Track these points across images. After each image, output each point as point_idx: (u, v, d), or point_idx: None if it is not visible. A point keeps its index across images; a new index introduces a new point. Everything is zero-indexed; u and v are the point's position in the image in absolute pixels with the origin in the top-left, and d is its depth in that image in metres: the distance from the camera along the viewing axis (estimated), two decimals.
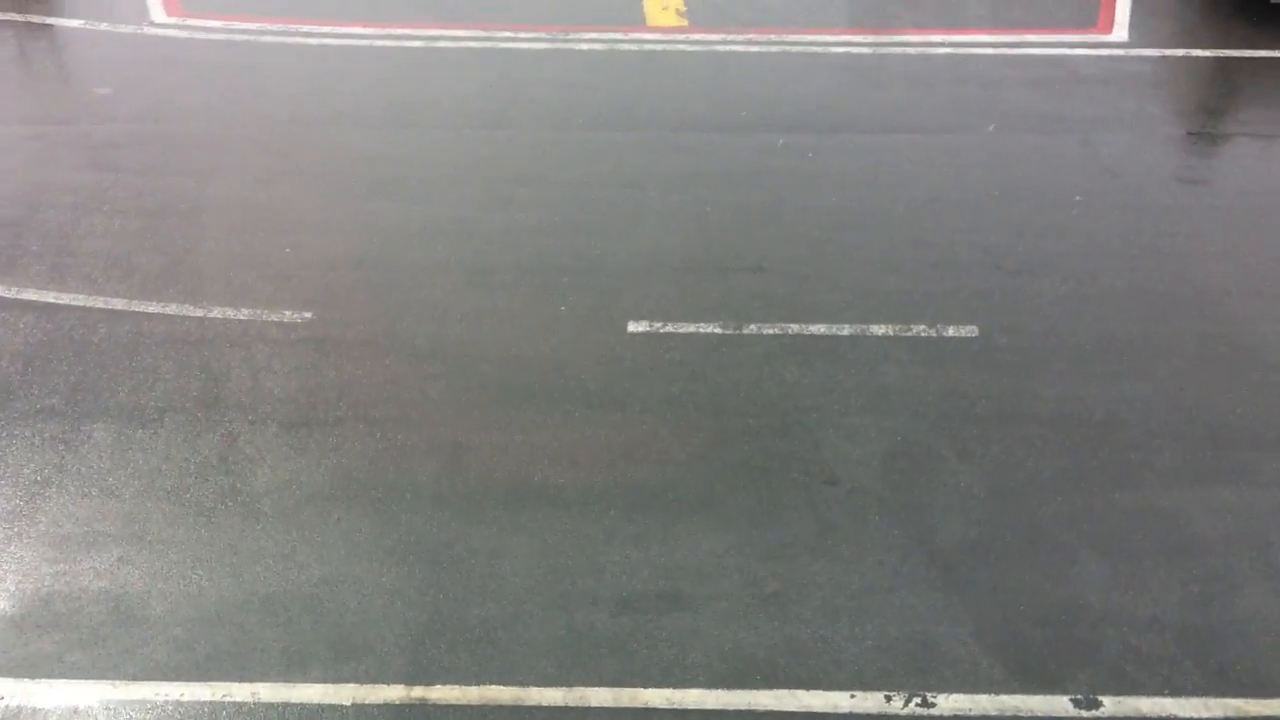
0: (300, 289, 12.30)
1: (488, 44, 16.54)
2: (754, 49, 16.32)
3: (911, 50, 16.18)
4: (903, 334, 11.58)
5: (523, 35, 16.70)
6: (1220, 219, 13.05)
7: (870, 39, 16.40)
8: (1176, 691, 8.50)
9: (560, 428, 10.66)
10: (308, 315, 11.96)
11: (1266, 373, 11.07)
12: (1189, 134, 14.50)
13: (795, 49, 16.28)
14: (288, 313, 12.00)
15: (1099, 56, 16.01)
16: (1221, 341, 11.41)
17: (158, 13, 17.05)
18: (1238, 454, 10.23)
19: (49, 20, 17.04)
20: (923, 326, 11.65)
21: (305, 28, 16.70)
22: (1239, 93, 15.33)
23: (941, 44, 16.26)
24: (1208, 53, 16.04)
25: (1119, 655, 8.72)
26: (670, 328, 11.73)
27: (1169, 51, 16.08)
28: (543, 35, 16.69)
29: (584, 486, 10.09)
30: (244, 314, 11.99)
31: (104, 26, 16.80)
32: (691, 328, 11.72)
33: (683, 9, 17.21)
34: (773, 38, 16.49)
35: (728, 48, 16.36)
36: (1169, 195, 13.45)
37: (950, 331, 11.59)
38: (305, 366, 11.41)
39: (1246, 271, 12.31)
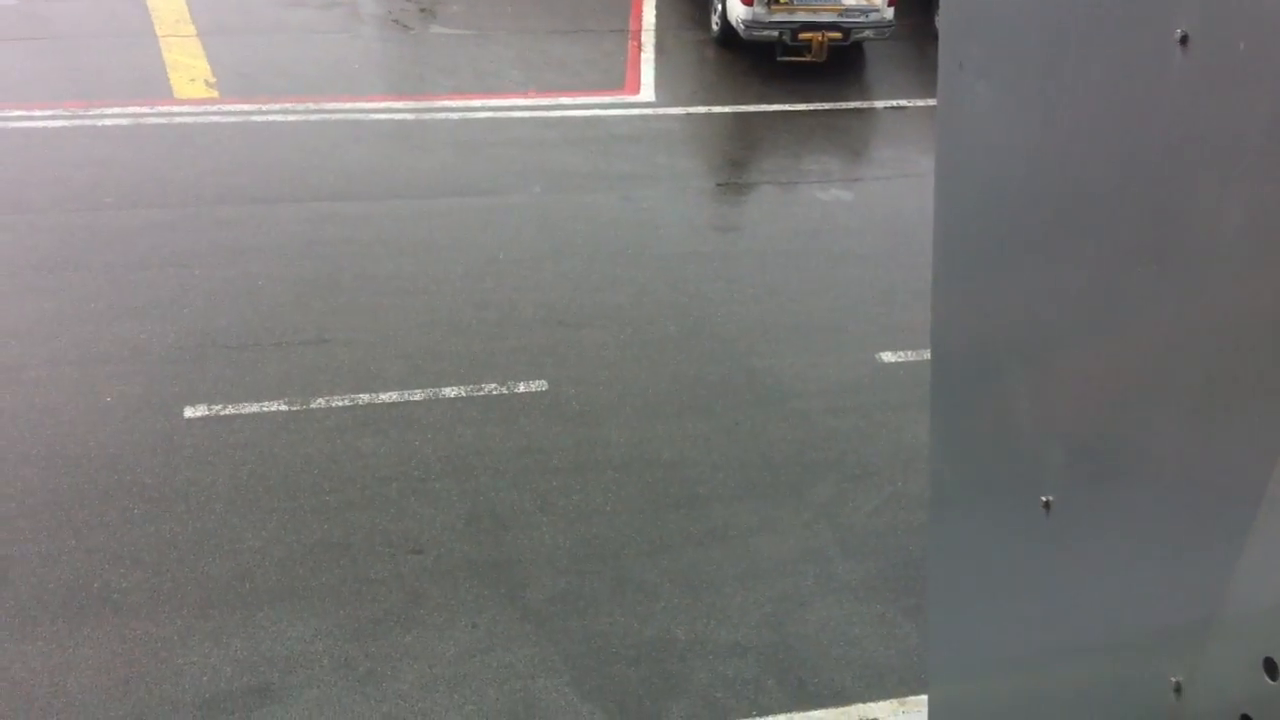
0: None
1: (12, 125, 15.25)
2: (292, 118, 15.97)
3: (454, 115, 16.37)
4: (475, 394, 11.60)
5: (37, 113, 15.53)
6: (754, 262, 14.01)
7: (411, 105, 16.46)
8: (763, 711, 8.91)
9: (118, 527, 9.86)
10: None
11: (805, 400, 11.92)
12: (718, 185, 15.50)
13: (336, 116, 16.08)
14: None
15: (630, 116, 16.84)
16: (767, 375, 12.19)
17: None
18: (790, 477, 10.94)
19: None
20: (494, 385, 11.72)
21: None
22: (758, 145, 16.57)
23: (482, 108, 16.56)
24: (727, 109, 17.25)
25: (708, 684, 9.05)
26: (231, 409, 11.17)
27: (693, 109, 17.16)
28: (61, 112, 15.60)
29: (151, 587, 9.37)
30: None
31: None
32: (255, 407, 11.20)
33: (212, 79, 16.60)
34: (311, 106, 16.21)
35: (264, 118, 15.93)
36: (707, 243, 14.29)
37: (521, 388, 11.72)
38: None
39: (781, 309, 13.25)
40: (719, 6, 18.27)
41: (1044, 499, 2.40)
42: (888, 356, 12.42)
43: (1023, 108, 2.35)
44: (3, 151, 14.71)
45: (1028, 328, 2.47)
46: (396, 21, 18.51)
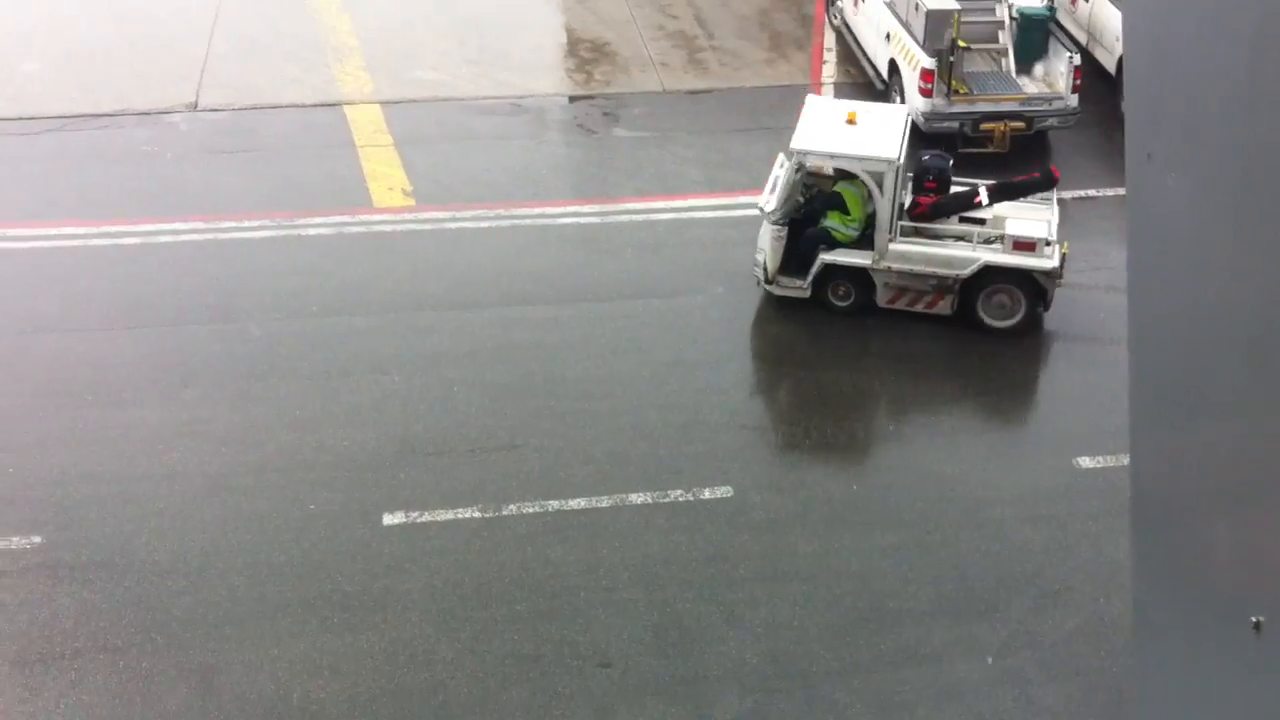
0: (26, 511, 11.49)
1: (210, 235, 16.13)
2: (484, 224, 16.48)
3: (637, 217, 16.68)
4: (661, 500, 11.69)
5: (246, 225, 16.38)
6: (946, 363, 13.80)
7: (596, 208, 16.83)
8: None
9: (319, 636, 10.21)
10: (36, 539, 11.16)
11: (999, 508, 11.65)
12: None
13: (524, 222, 16.54)
14: (15, 539, 11.17)
15: None
16: (958, 481, 11.97)
17: None
18: (985, 592, 10.68)
19: None
20: (679, 491, 11.79)
21: (13, 231, 15.90)
22: None
23: (664, 209, 16.83)
24: None
25: None
26: (428, 516, 11.50)
27: None
28: (267, 223, 16.42)
29: (348, 698, 9.66)
30: None
31: None
32: (450, 514, 11.51)
33: (409, 188, 17.27)
34: (501, 212, 16.71)
35: (457, 224, 16.48)
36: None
37: (706, 494, 11.77)
38: (37, 596, 10.59)
39: (973, 410, 13.00)
40: (897, 99, 18.23)
41: (1254, 619, 2.31)
42: (1085, 462, 12.07)
43: (1219, 207, 2.17)
44: (217, 262, 15.55)
45: (1235, 450, 2.37)
46: (581, 126, 19.01)
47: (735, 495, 11.77)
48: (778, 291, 14.29)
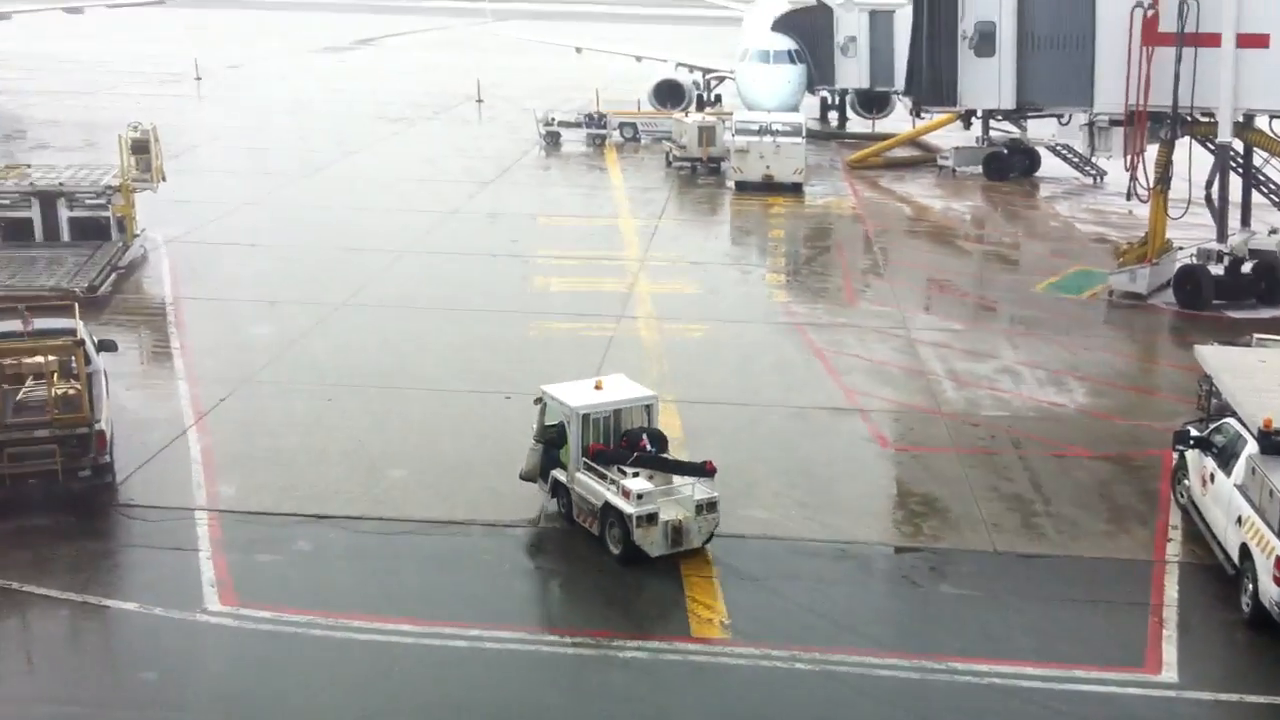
0: None
1: (532, 646, 16.55)
2: (798, 666, 16.21)
3: (959, 679, 16.01)
4: None
5: (568, 639, 16.75)
6: None
7: (916, 664, 16.29)
8: None
9: None
10: None
11: None
12: None
13: (840, 669, 16.16)
14: None
15: (1150, 697, 15.74)
16: None
17: (212, 600, 17.33)
18: None
19: (105, 602, 17.34)
20: None
21: (355, 623, 16.84)
22: None
23: (989, 674, 16.10)
24: (1261, 698, 15.77)
25: None
26: None
27: (1222, 695, 15.83)
28: (587, 640, 16.74)
29: None
30: None
31: (158, 611, 17.02)
32: None
33: (726, 620, 17.33)
34: (817, 655, 16.42)
35: (771, 664, 16.27)
36: None
37: None
38: None
39: None
40: (1249, 586, 17.17)
41: None
42: None
43: None
44: (536, 674, 15.86)
45: None
46: (906, 577, 18.77)
47: None
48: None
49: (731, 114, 51.53)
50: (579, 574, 18.62)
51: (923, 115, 52.05)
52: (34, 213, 33.38)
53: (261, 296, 31.14)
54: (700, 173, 48.81)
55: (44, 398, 19.84)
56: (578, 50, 76.16)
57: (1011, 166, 49.24)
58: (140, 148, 34.35)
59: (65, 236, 33.45)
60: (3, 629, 17.06)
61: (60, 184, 34.11)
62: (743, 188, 45.87)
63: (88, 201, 33.70)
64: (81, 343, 20.80)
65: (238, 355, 26.80)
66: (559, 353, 27.45)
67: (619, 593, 18.11)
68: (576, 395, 19.51)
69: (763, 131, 46.30)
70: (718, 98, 64.95)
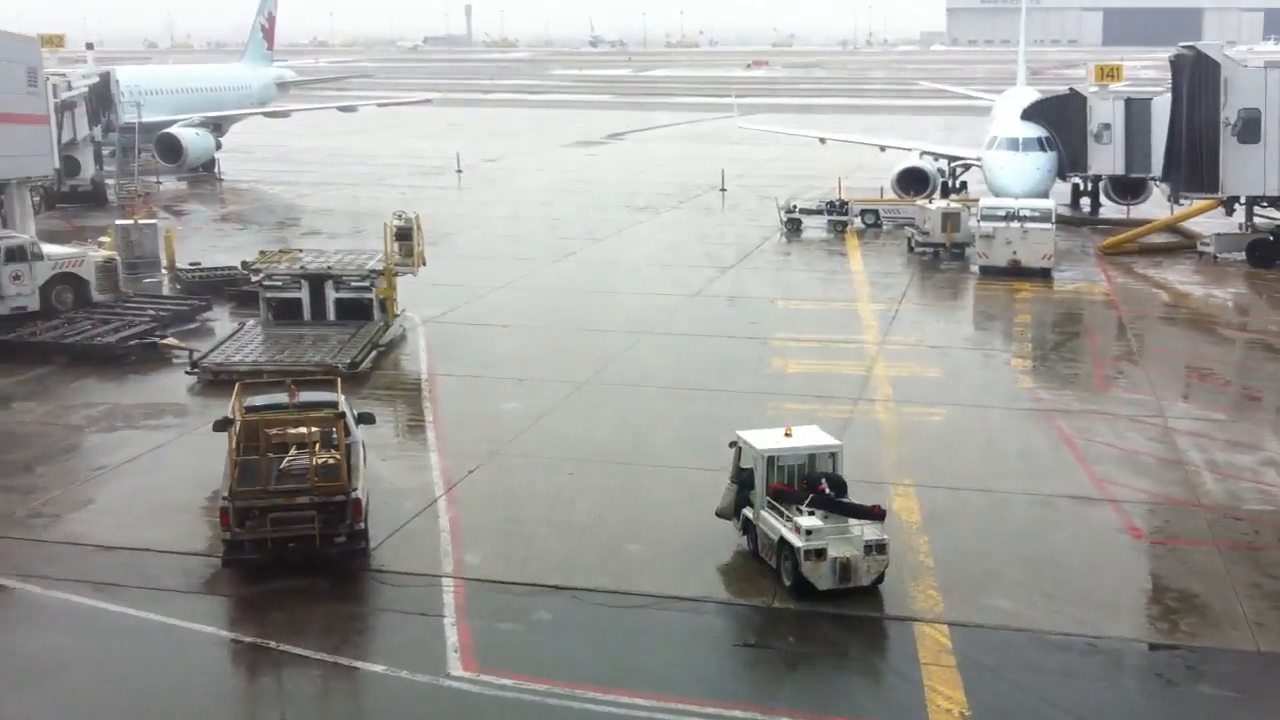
0: None
1: None
2: None
3: None
4: None
5: None
6: None
7: None
8: None
9: None
10: None
11: None
12: None
13: None
14: None
15: None
16: None
17: (455, 665, 17.85)
18: None
19: (355, 663, 18.07)
20: None
21: (590, 694, 17.05)
22: None
23: None
24: None
25: None
26: None
27: None
28: None
29: None
30: None
31: (404, 674, 17.63)
32: None
33: (967, 711, 16.77)
34: None
35: None
36: None
37: None
38: None
39: None
40: None
41: None
42: None
43: None
44: None
45: None
46: (1160, 676, 17.79)
47: None
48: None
49: (977, 200, 50.79)
50: (813, 656, 18.39)
51: (1181, 201, 50.40)
52: (303, 294, 35.63)
53: (511, 374, 32.24)
54: (943, 258, 48.19)
55: (306, 466, 20.99)
56: (821, 140, 76.60)
57: (1278, 253, 46.82)
58: (403, 235, 36.29)
59: (331, 316, 35.56)
60: (259, 686, 18.00)
61: (328, 267, 36.37)
62: (988, 273, 45.03)
63: (353, 284, 35.76)
64: (342, 415, 21.90)
65: (487, 429, 27.76)
66: None
67: (855, 678, 17.81)
68: (765, 440, 21.39)
69: (1010, 217, 45.46)
70: (963, 185, 64.18)
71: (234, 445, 20.86)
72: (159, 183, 70.69)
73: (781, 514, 20.36)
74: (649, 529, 22.48)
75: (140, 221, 45.66)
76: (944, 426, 28.38)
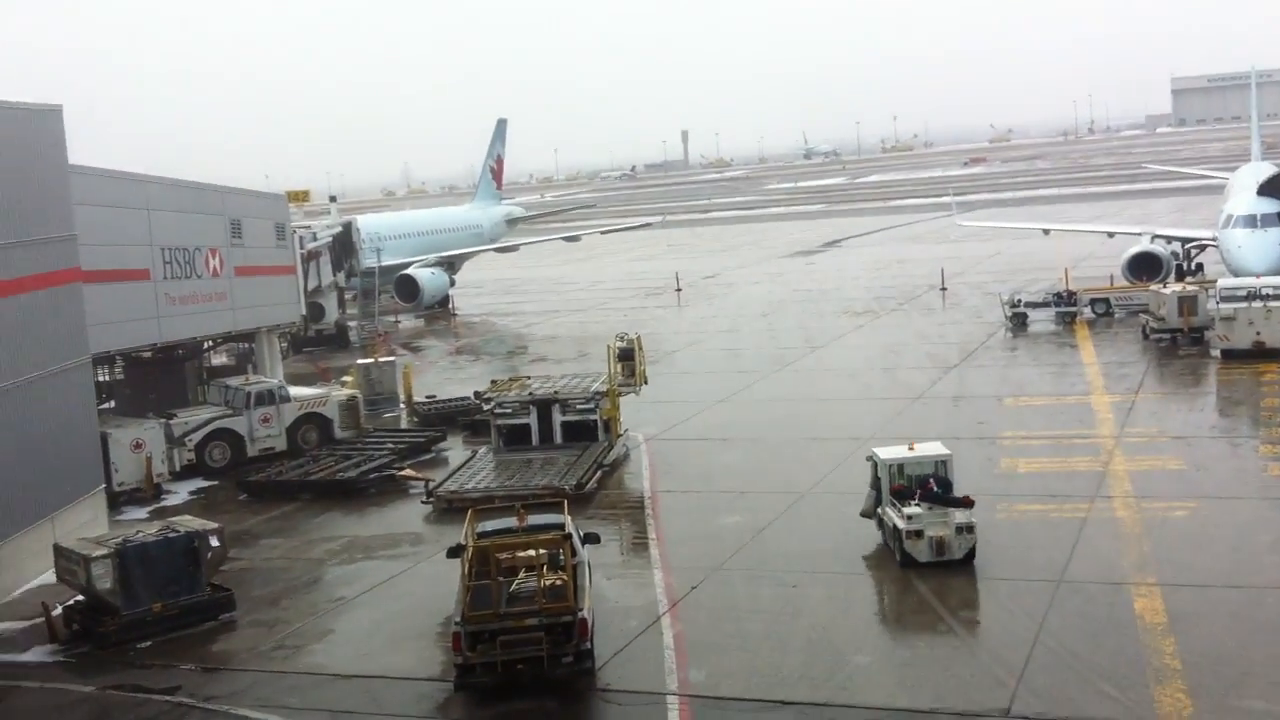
0: None
1: None
2: None
3: None
4: None
5: None
6: None
7: None
8: None
9: None
10: None
11: None
12: None
13: None
14: None
15: None
16: None
17: None
18: None
19: None
20: None
21: None
22: None
23: None
24: None
25: None
26: None
27: None
28: None
29: None
30: None
31: None
32: None
33: None
34: None
35: None
36: None
37: None
38: None
39: None
40: None
41: None
42: None
43: None
44: None
45: None
46: None
47: None
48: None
49: (1214, 282, 48.65)
50: None
51: None
52: (531, 419, 36.68)
53: (732, 487, 32.27)
54: (1181, 344, 46.17)
55: (534, 588, 21.43)
56: (1045, 231, 74.88)
57: None
58: (626, 355, 37.15)
59: (558, 439, 36.45)
60: None
61: (555, 392, 37.38)
62: (1230, 356, 42.89)
63: (578, 407, 36.60)
64: (569, 536, 22.30)
65: (709, 544, 27.80)
66: (1028, 533, 26.54)
67: None
68: (889, 452, 27.12)
69: (1252, 296, 43.36)
70: (1199, 266, 61.59)
71: (466, 571, 21.49)
72: (398, 321, 74.18)
73: (897, 507, 25.62)
74: (876, 639, 22.02)
75: (380, 360, 48.02)
76: (1189, 521, 26.96)
